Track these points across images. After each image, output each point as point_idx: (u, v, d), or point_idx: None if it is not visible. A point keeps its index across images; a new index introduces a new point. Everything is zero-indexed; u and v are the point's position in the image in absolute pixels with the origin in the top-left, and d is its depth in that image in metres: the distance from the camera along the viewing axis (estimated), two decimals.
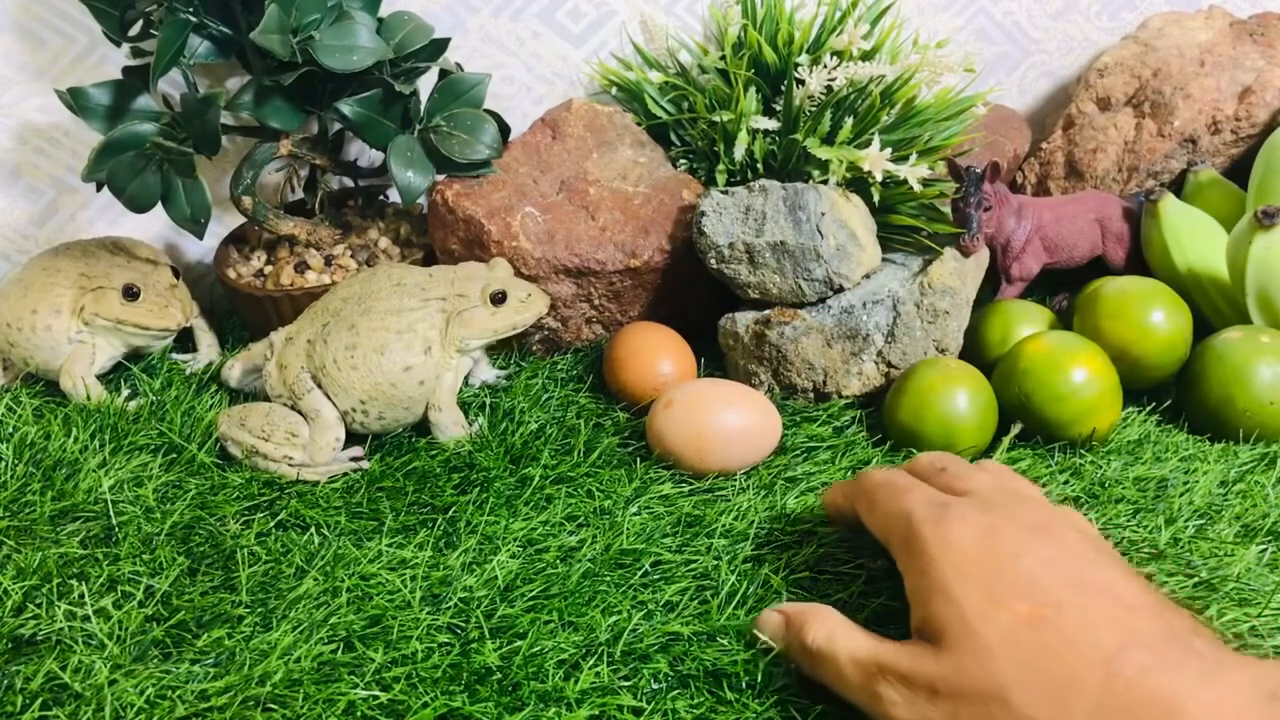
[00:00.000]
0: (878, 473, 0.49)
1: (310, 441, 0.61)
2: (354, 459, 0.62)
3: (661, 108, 0.78)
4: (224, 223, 0.81)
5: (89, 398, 0.67)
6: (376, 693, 0.44)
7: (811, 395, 0.66)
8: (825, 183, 0.68)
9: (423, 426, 0.64)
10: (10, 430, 0.64)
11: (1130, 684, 0.35)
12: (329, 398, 0.62)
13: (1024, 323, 0.67)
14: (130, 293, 0.68)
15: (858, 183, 0.69)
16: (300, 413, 0.62)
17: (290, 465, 0.61)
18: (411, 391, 0.62)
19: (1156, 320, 0.63)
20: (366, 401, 0.61)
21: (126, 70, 0.71)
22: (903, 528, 0.44)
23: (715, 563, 0.52)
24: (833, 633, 0.43)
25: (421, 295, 0.63)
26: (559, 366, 0.71)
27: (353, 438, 0.63)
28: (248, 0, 0.67)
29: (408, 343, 0.61)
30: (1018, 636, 0.38)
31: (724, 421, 0.58)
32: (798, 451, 0.61)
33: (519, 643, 0.46)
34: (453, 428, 0.63)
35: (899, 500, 0.45)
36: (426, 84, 0.73)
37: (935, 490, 0.46)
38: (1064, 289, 0.76)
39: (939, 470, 0.48)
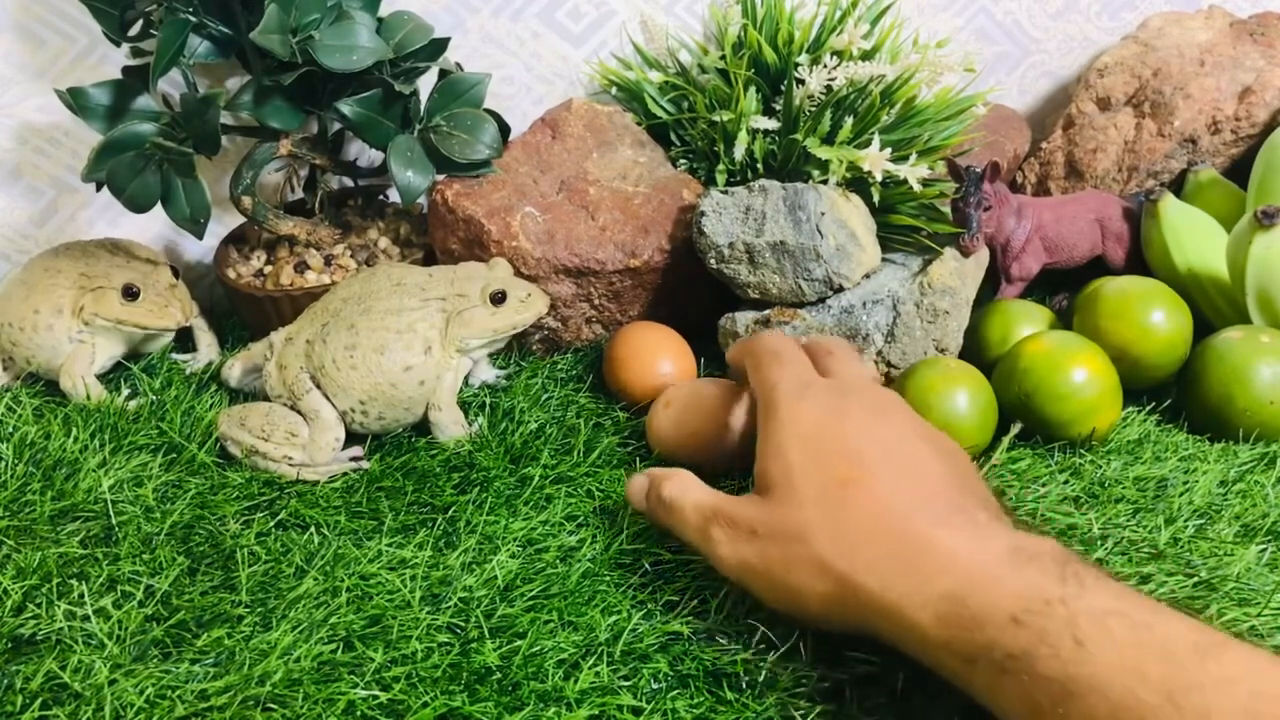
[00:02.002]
0: (770, 338, 0.55)
1: (310, 441, 0.61)
2: (353, 459, 0.62)
3: (661, 108, 0.78)
4: (224, 223, 0.81)
5: (89, 397, 0.67)
6: (376, 692, 0.44)
7: None
8: (825, 183, 0.68)
9: (423, 426, 0.64)
10: (10, 430, 0.64)
11: (915, 535, 0.42)
12: (328, 398, 0.62)
13: (1024, 323, 0.67)
14: (130, 293, 0.68)
15: (858, 183, 0.69)
16: (300, 413, 0.62)
17: (290, 465, 0.61)
18: (411, 391, 0.62)
19: (1156, 320, 0.63)
20: (366, 402, 0.61)
21: (126, 70, 0.71)
22: (767, 395, 0.50)
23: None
24: (684, 486, 0.50)
25: (421, 295, 0.63)
26: (559, 366, 0.71)
27: (352, 437, 0.63)
28: (247, 0, 0.67)
29: (407, 343, 0.61)
30: (829, 491, 0.44)
31: (724, 421, 0.58)
32: None
33: (519, 642, 0.46)
34: (452, 427, 0.62)
35: (774, 370, 0.52)
36: (426, 84, 0.73)
37: (809, 369, 0.52)
38: (1064, 289, 0.76)
39: (826, 353, 0.54)
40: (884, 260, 0.69)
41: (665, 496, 0.50)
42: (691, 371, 0.67)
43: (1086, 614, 0.36)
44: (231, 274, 0.76)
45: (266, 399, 0.64)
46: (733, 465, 0.58)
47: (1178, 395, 0.65)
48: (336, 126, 0.77)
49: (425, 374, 0.62)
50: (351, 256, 0.76)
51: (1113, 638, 0.35)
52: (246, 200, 0.72)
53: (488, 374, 0.69)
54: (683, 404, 0.59)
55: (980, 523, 0.42)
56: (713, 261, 0.67)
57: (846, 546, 0.43)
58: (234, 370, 0.69)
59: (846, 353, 0.55)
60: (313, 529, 0.56)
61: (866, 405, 0.48)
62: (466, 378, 0.66)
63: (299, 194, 0.82)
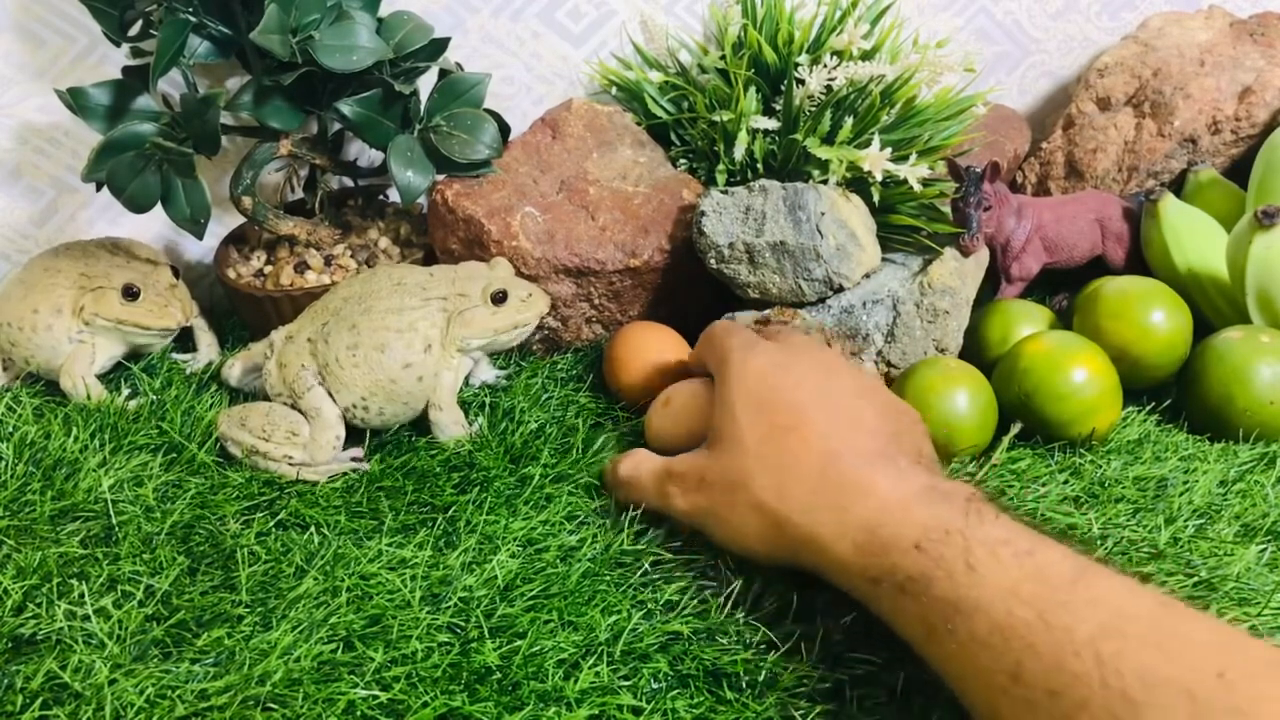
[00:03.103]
0: (719, 325, 0.59)
1: (310, 440, 0.61)
2: (354, 459, 0.62)
3: (661, 108, 0.78)
4: (224, 223, 0.81)
5: (89, 397, 0.67)
6: (376, 692, 0.44)
7: None
8: (825, 183, 0.68)
9: (422, 424, 0.64)
10: (10, 430, 0.64)
11: (841, 475, 0.46)
12: (330, 395, 0.62)
13: (1024, 323, 0.67)
14: (130, 293, 0.68)
15: (858, 183, 0.69)
16: (300, 411, 0.62)
17: (290, 465, 0.61)
18: (411, 387, 0.62)
19: (1156, 320, 0.63)
20: (368, 398, 0.61)
21: (126, 70, 0.71)
22: (719, 357, 0.55)
23: (715, 562, 0.52)
24: (636, 461, 0.56)
25: (422, 294, 0.63)
26: (559, 366, 0.71)
27: (353, 436, 0.63)
28: (247, 0, 0.67)
29: (408, 341, 0.62)
30: (769, 438, 0.49)
31: None
32: None
33: (519, 642, 0.46)
34: (452, 427, 0.63)
35: (727, 339, 0.56)
36: (426, 84, 0.73)
37: (757, 336, 0.56)
38: (1064, 289, 0.76)
39: (777, 331, 0.58)
40: (884, 260, 0.69)
41: (622, 474, 0.56)
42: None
43: (980, 542, 0.40)
44: (231, 274, 0.76)
45: (266, 398, 0.64)
46: None
47: (1178, 395, 0.65)
48: (337, 126, 0.77)
49: (424, 371, 0.62)
50: (352, 256, 0.76)
51: (999, 563, 0.39)
52: (246, 200, 0.72)
53: (488, 374, 0.69)
54: (682, 404, 0.59)
55: (903, 467, 0.46)
56: (713, 261, 0.67)
57: (781, 487, 0.47)
58: (234, 370, 0.69)
59: (795, 327, 0.61)
60: (313, 529, 0.56)
61: (811, 361, 0.52)
62: (467, 378, 0.66)
63: (299, 194, 0.82)
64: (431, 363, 0.62)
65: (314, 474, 0.61)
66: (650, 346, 0.66)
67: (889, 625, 0.43)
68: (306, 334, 0.64)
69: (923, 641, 0.41)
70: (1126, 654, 0.35)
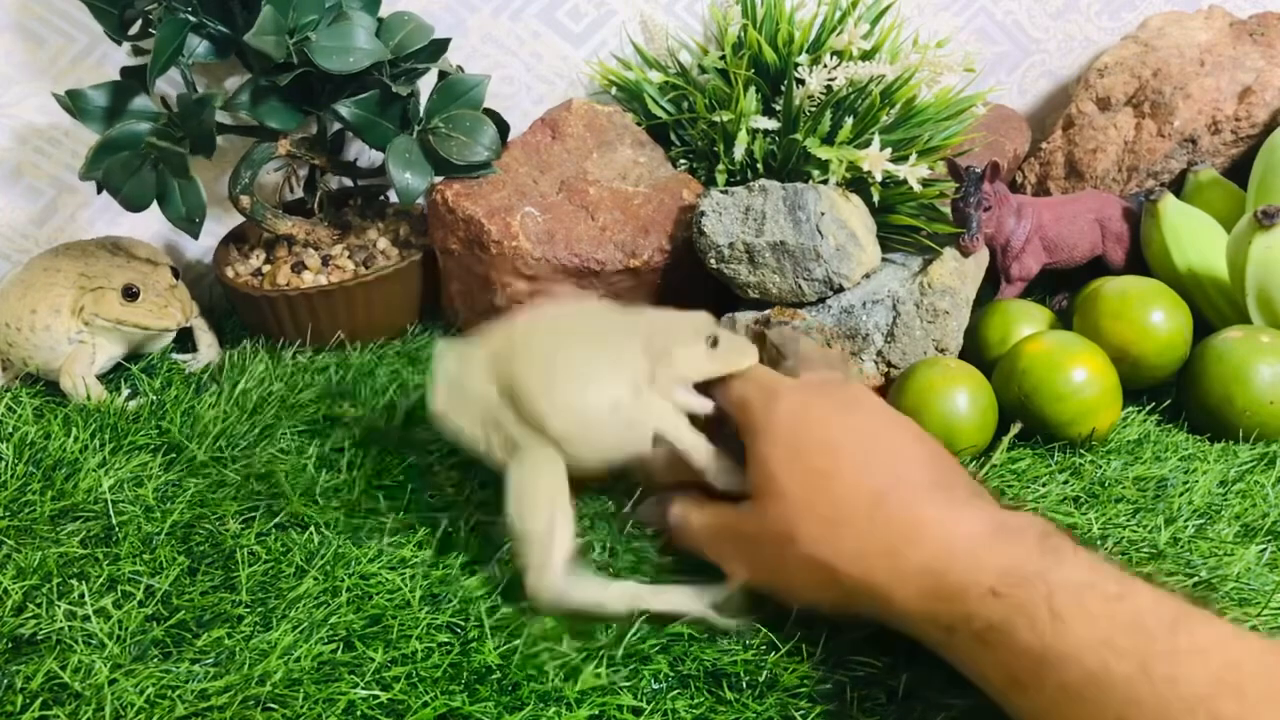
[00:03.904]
0: (735, 385, 0.53)
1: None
2: None
3: (661, 108, 0.78)
4: (223, 222, 0.81)
5: (89, 397, 0.67)
6: (376, 692, 0.44)
7: None
8: (825, 183, 0.68)
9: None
10: (10, 430, 0.64)
11: (889, 516, 0.43)
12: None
13: (1024, 323, 0.67)
14: (130, 293, 0.68)
15: (858, 183, 0.69)
16: None
17: None
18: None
19: (1156, 320, 0.63)
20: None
21: (125, 70, 0.71)
22: (740, 412, 0.51)
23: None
24: (685, 510, 0.51)
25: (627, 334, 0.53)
26: None
27: None
28: (246, 0, 0.67)
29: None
30: (809, 484, 0.45)
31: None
32: None
33: (518, 641, 0.46)
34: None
35: (740, 387, 0.52)
36: (426, 85, 0.73)
37: (776, 376, 0.52)
38: (1064, 289, 0.76)
39: (792, 368, 0.57)
40: (884, 260, 0.69)
41: (671, 522, 0.52)
42: None
43: (1062, 587, 0.37)
44: (230, 273, 0.76)
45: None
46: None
47: (1178, 395, 0.65)
48: (336, 126, 0.77)
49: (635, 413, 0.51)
50: (350, 257, 0.76)
51: (1087, 610, 0.36)
52: (245, 199, 0.72)
53: None
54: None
55: (959, 499, 0.43)
56: (713, 261, 0.67)
57: (829, 536, 0.44)
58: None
59: (813, 362, 0.59)
60: (312, 529, 0.56)
61: (836, 399, 0.49)
62: None
63: (299, 193, 0.82)
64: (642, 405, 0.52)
65: None
66: None
67: (966, 674, 0.40)
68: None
69: (1005, 691, 0.38)
70: (1248, 716, 0.32)
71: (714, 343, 0.53)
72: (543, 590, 0.47)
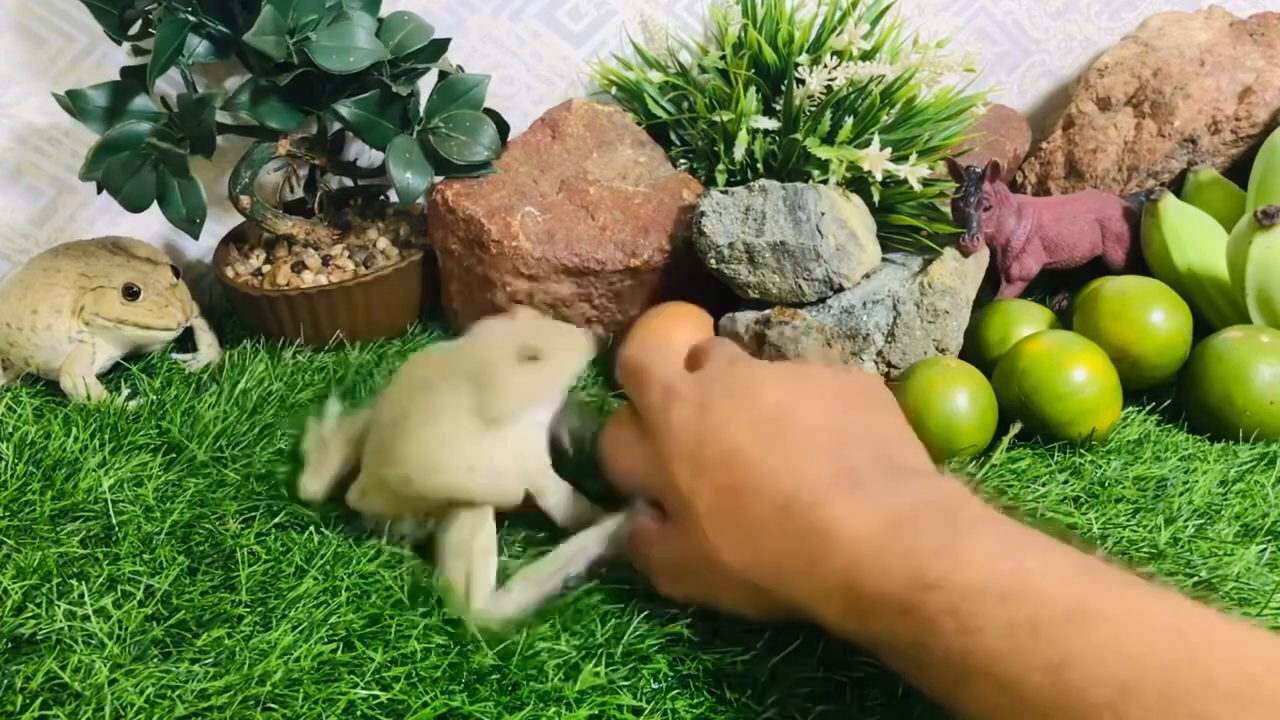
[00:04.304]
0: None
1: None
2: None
3: (661, 108, 0.78)
4: (224, 222, 0.81)
5: (89, 397, 0.67)
6: (376, 692, 0.44)
7: None
8: (825, 183, 0.68)
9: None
10: (10, 430, 0.64)
11: (799, 523, 0.40)
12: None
13: (1024, 323, 0.67)
14: (130, 292, 0.68)
15: (858, 183, 0.69)
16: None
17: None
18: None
19: (1156, 320, 0.63)
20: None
21: (125, 70, 0.71)
22: (644, 418, 0.48)
23: None
24: (643, 540, 0.48)
25: (451, 379, 0.52)
26: None
27: None
28: (246, 0, 0.67)
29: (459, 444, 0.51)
30: (720, 502, 0.42)
31: None
32: None
33: (517, 639, 0.46)
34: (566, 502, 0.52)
35: (644, 392, 0.48)
36: (426, 85, 0.73)
37: (674, 372, 0.48)
38: (1064, 289, 0.76)
39: (700, 352, 0.51)
40: (884, 260, 0.69)
41: (630, 552, 0.49)
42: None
43: (962, 595, 0.35)
44: (230, 273, 0.76)
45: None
46: None
47: (1178, 395, 0.65)
48: (336, 126, 0.77)
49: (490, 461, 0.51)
50: (350, 257, 0.76)
51: (992, 618, 0.34)
52: (245, 199, 0.72)
53: None
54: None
55: (860, 485, 0.40)
56: (713, 261, 0.67)
57: (749, 553, 0.42)
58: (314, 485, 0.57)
59: (716, 343, 0.52)
60: (312, 528, 0.56)
61: (729, 391, 0.45)
62: None
63: (299, 193, 0.82)
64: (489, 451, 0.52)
65: None
66: (677, 336, 0.65)
67: (906, 680, 0.39)
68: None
69: (948, 700, 0.37)
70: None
71: (532, 357, 0.51)
72: (478, 618, 0.48)
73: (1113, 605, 0.34)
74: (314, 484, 0.57)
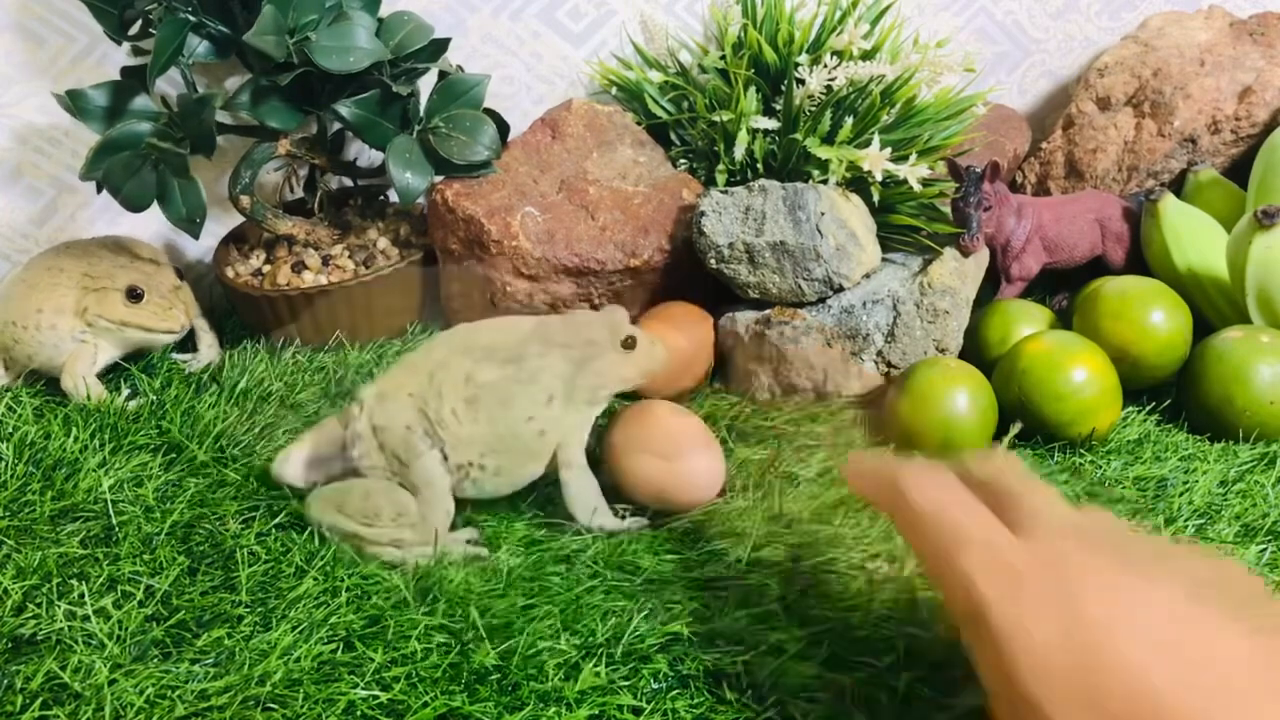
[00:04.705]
0: (919, 485, 0.39)
1: (421, 519, 0.54)
2: (470, 540, 0.55)
3: (661, 107, 0.78)
4: (223, 222, 0.81)
5: (89, 397, 0.67)
6: (376, 692, 0.44)
7: (811, 394, 0.66)
8: (825, 183, 0.68)
9: (542, 490, 0.58)
10: (10, 430, 0.64)
11: None
12: (444, 460, 0.55)
13: (1024, 323, 0.67)
14: (134, 294, 0.68)
15: (858, 183, 0.69)
16: (407, 484, 0.55)
17: (398, 549, 0.54)
18: (532, 443, 0.55)
19: (1156, 320, 0.63)
20: (486, 454, 0.55)
21: (125, 70, 0.71)
22: (964, 598, 0.36)
23: (714, 561, 0.52)
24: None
25: (543, 343, 0.56)
26: None
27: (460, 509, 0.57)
28: (246, 0, 0.67)
29: (532, 394, 0.55)
30: None
31: (686, 465, 0.56)
32: (798, 449, 0.61)
33: (517, 639, 0.46)
34: (588, 494, 0.55)
35: (954, 553, 0.36)
36: (426, 84, 0.73)
37: (995, 537, 0.37)
38: (1064, 289, 0.76)
39: (1004, 492, 0.39)
40: (884, 260, 0.69)
41: None
42: (708, 343, 0.67)
43: None
44: (230, 273, 0.76)
45: (352, 474, 0.56)
46: None
47: (1178, 395, 0.65)
48: (336, 126, 0.77)
49: (547, 424, 0.55)
50: (350, 257, 0.76)
51: None
52: (245, 199, 0.72)
53: None
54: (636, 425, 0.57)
55: None
56: (713, 261, 0.67)
57: None
58: (289, 466, 0.58)
59: (1026, 481, 0.40)
60: (312, 528, 0.56)
61: (1112, 581, 0.34)
62: None
63: (300, 194, 0.82)
64: (553, 417, 0.55)
65: (427, 555, 0.54)
66: (678, 333, 0.66)
67: None
68: (407, 389, 0.55)
69: None
70: None
71: (630, 344, 0.56)
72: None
73: None
74: (290, 468, 0.58)
